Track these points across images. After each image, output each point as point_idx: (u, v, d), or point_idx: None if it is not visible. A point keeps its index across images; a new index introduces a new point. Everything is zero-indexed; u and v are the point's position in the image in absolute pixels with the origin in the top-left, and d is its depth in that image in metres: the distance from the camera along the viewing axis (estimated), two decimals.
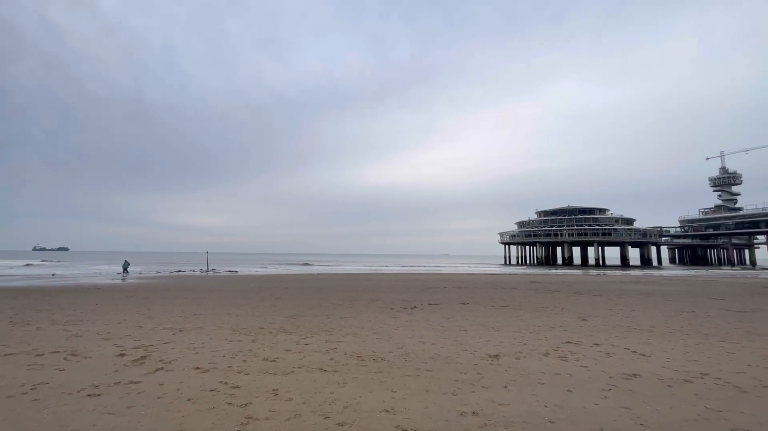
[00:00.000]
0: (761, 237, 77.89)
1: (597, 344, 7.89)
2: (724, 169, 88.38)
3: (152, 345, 7.54)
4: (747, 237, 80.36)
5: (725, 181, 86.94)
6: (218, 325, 9.79)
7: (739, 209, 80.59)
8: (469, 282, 27.11)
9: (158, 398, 4.69)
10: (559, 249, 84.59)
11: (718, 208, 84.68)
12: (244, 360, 6.43)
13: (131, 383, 5.25)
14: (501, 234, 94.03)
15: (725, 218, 77.56)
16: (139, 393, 4.87)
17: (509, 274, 40.82)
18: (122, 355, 6.80)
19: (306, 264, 69.46)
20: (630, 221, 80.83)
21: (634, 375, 5.77)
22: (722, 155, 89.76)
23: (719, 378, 5.65)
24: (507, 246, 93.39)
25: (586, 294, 18.46)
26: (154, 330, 9.19)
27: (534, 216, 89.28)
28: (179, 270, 43.89)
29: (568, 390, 5.08)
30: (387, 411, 4.33)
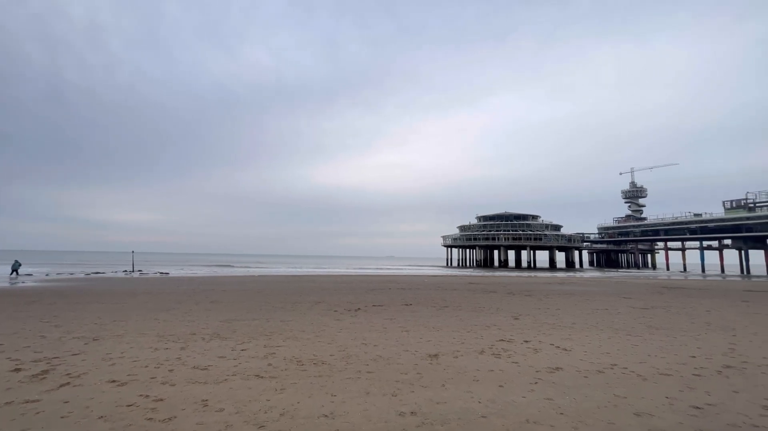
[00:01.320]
0: (660, 244, 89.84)
1: (527, 341, 8.47)
2: (633, 184, 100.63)
3: (57, 358, 6.63)
4: (649, 243, 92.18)
5: (634, 194, 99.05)
6: (142, 332, 8.90)
7: (644, 219, 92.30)
8: (413, 283, 27.73)
9: (61, 418, 4.11)
10: (496, 253, 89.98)
11: (628, 217, 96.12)
12: (170, 370, 5.90)
13: (27, 402, 4.55)
14: (444, 238, 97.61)
15: (633, 227, 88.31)
16: (37, 413, 4.24)
17: (450, 276, 42.50)
18: (17, 370, 5.88)
19: (227, 266, 61.53)
20: (558, 227, 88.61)
21: (557, 369, 6.28)
22: (632, 171, 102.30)
23: (626, 368, 6.36)
24: (449, 248, 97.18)
25: (519, 295, 19.80)
26: (60, 340, 8.09)
27: (475, 221, 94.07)
28: (98, 272, 39.36)
29: (500, 386, 5.38)
30: (326, 416, 4.23)
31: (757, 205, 65.91)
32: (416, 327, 9.98)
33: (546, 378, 5.75)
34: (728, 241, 71.94)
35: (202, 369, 5.95)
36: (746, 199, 67.40)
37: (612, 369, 6.33)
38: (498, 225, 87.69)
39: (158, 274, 38.53)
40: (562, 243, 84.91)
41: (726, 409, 4.61)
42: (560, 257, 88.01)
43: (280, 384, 5.30)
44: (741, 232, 66.83)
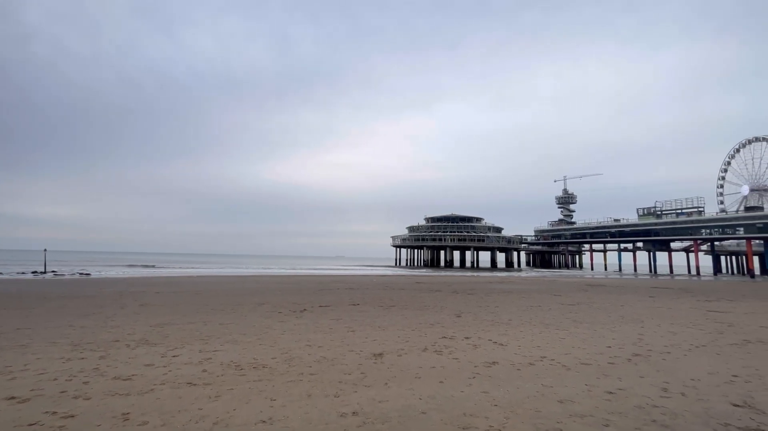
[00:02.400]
0: (586, 245, 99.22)
1: (467, 338, 8.86)
2: (565, 191, 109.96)
3: None
4: (577, 245, 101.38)
5: (566, 200, 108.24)
6: (53, 341, 7.89)
7: (574, 223, 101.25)
8: (362, 283, 27.76)
9: None
10: (443, 253, 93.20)
11: (560, 221, 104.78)
12: (85, 382, 5.29)
13: None
14: (393, 238, 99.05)
15: (564, 230, 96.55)
16: None
17: (398, 275, 43.19)
18: None
19: (149, 266, 54.06)
20: (499, 230, 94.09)
21: (494, 363, 6.64)
22: (564, 179, 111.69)
23: (553, 360, 6.91)
24: (398, 249, 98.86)
25: (462, 294, 20.68)
26: None
27: (423, 222, 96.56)
28: None
29: (440, 382, 5.56)
30: (263, 422, 4.05)
31: (663, 212, 75.38)
32: (362, 327, 9.98)
33: (483, 373, 6.05)
34: (640, 244, 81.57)
35: (124, 380, 5.42)
36: (655, 207, 76.84)
37: (541, 361, 6.83)
38: (445, 227, 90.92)
39: (77, 275, 34.52)
40: (503, 244, 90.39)
41: (633, 393, 5.18)
42: (501, 257, 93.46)
43: (214, 391, 4.99)
44: (650, 236, 76.05)
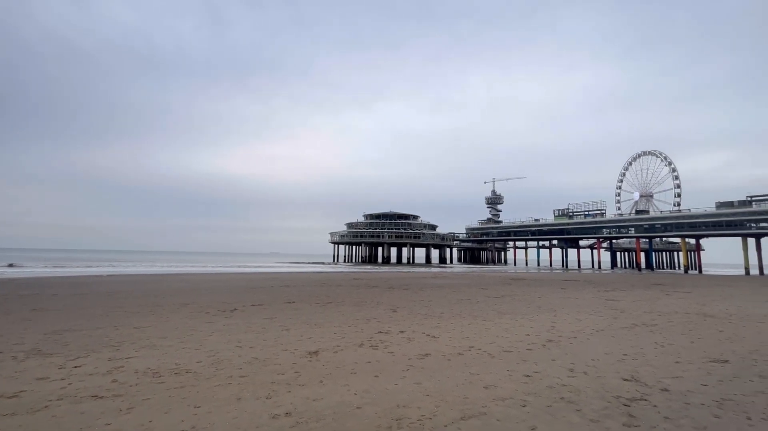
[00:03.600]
0: (511, 243, 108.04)
1: (402, 331, 9.10)
2: (493, 192, 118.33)
3: None
4: (503, 242, 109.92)
5: (494, 201, 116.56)
6: None
7: (501, 222, 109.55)
8: (298, 280, 27.04)
9: None
10: (380, 249, 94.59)
11: (488, 220, 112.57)
12: None
13: None
14: (332, 234, 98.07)
15: (492, 228, 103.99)
16: None
17: (336, 272, 42.89)
18: None
19: (11, 265, 41.68)
20: (434, 227, 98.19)
21: (427, 355, 6.91)
22: (494, 181, 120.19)
23: (480, 349, 7.40)
24: (336, 245, 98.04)
25: (398, 289, 21.19)
26: None
27: (361, 219, 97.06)
28: None
29: (376, 376, 5.64)
30: None
31: (574, 213, 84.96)
32: (298, 325, 9.73)
33: (417, 365, 6.26)
34: (555, 242, 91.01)
35: (9, 398, 4.62)
36: (568, 209, 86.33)
37: (470, 351, 7.28)
38: (383, 224, 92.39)
39: None
40: (437, 241, 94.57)
41: (546, 374, 5.77)
42: (435, 254, 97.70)
43: (126, 402, 4.49)
44: (563, 235, 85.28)
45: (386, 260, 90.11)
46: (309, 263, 79.74)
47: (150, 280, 25.60)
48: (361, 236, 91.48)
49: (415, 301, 15.39)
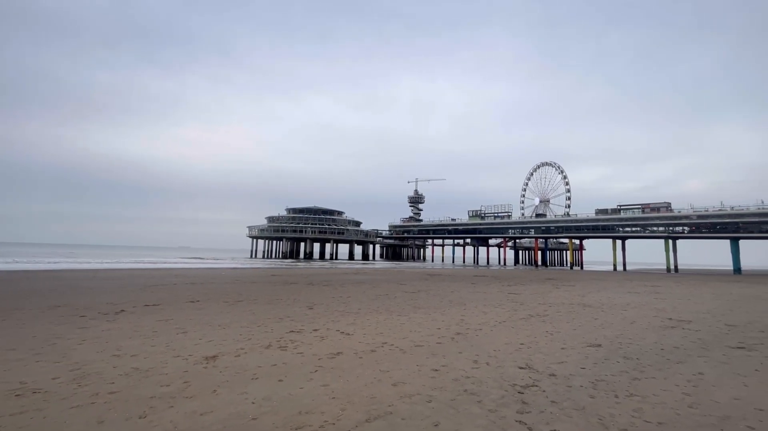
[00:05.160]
0: (430, 240, 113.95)
1: (316, 329, 8.71)
2: (416, 191, 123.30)
3: None
4: (423, 240, 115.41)
5: (416, 200, 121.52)
6: None
7: (421, 221, 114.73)
8: (207, 277, 24.70)
9: None
10: (303, 245, 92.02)
11: (410, 218, 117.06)
12: None
13: None
14: (250, 228, 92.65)
15: (413, 226, 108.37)
16: None
17: (253, 268, 40.38)
18: None
19: None
20: (358, 224, 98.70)
21: (338, 353, 6.65)
22: (416, 181, 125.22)
23: (393, 345, 7.38)
24: (255, 240, 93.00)
25: (318, 285, 20.61)
26: None
27: (284, 213, 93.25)
28: None
29: (280, 380, 5.19)
30: None
31: (486, 215, 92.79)
32: (198, 327, 8.70)
33: (326, 365, 5.96)
34: (469, 240, 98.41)
35: None
36: (480, 210, 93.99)
37: (382, 347, 7.21)
38: (306, 219, 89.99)
39: None
40: (361, 237, 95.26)
41: (453, 367, 5.93)
42: (358, 250, 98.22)
43: None
44: (476, 234, 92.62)
45: (309, 256, 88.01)
46: (223, 259, 73.95)
47: (13, 278, 20.99)
48: (283, 231, 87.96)
49: (334, 298, 15.07)
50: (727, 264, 67.38)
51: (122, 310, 10.83)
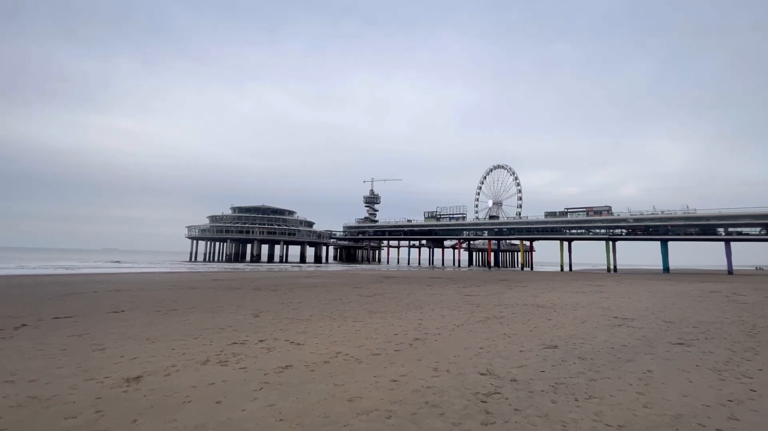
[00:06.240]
0: (385, 242, 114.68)
1: (262, 340, 8.12)
2: (372, 191, 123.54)
3: None
4: (378, 241, 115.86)
5: (372, 200, 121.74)
6: None
7: (377, 221, 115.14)
8: (137, 283, 22.59)
9: None
10: (249, 246, 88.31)
11: (366, 219, 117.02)
12: None
13: None
14: (189, 228, 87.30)
15: (369, 227, 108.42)
16: None
17: (192, 272, 37.89)
18: None
19: None
20: (311, 224, 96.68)
21: (287, 367, 6.19)
22: (372, 181, 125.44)
23: (348, 354, 7.05)
24: (195, 241, 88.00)
25: (265, 290, 19.66)
26: None
27: (228, 212, 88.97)
28: None
29: (218, 402, 4.66)
30: None
31: (441, 216, 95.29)
32: (120, 342, 7.74)
33: (273, 380, 5.49)
34: (425, 242, 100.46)
35: None
36: (436, 212, 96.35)
37: (336, 357, 6.86)
38: (254, 218, 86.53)
39: None
40: (313, 239, 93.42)
41: (413, 377, 5.74)
42: (310, 252, 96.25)
43: None
44: (432, 235, 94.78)
45: (256, 258, 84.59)
46: (157, 263, 68.69)
47: None
48: (228, 231, 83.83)
49: (283, 303, 14.39)
50: (657, 263, 75.22)
51: (23, 325, 9.40)
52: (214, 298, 15.76)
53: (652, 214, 66.85)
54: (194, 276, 31.50)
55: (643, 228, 67.57)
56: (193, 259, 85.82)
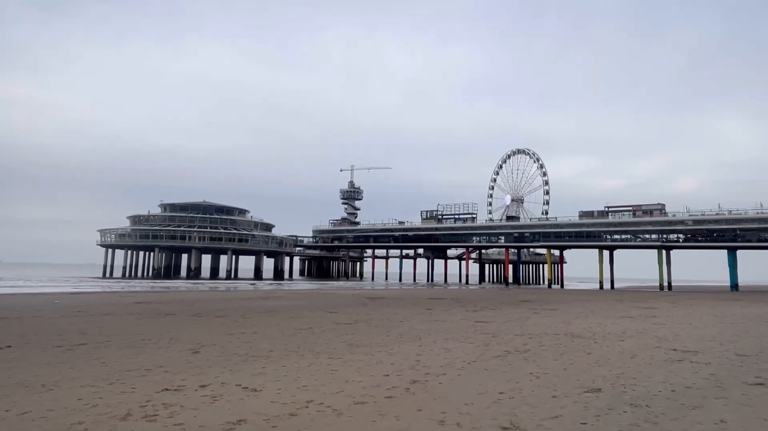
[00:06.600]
0: (369, 251, 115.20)
1: (204, 385, 7.97)
2: (351, 183, 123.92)
3: None
4: (360, 250, 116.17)
5: (351, 195, 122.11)
6: None
7: (358, 223, 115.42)
8: (29, 308, 22.15)
9: None
10: (185, 257, 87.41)
11: (343, 220, 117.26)
12: None
13: None
14: (103, 233, 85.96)
15: (347, 231, 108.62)
16: None
17: (107, 293, 37.57)
18: None
19: None
20: (269, 227, 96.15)
21: (240, 422, 6.04)
22: (352, 169, 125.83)
23: (322, 403, 6.95)
24: (111, 250, 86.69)
25: (207, 317, 19.49)
26: None
27: (157, 211, 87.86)
28: None
29: None
30: None
31: (444, 217, 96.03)
32: (4, 391, 7.47)
33: None
34: (421, 251, 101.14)
35: None
36: (437, 211, 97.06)
37: (307, 407, 6.75)
38: (192, 219, 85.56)
39: None
40: (273, 247, 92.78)
41: None
42: (269, 264, 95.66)
43: None
44: (432, 242, 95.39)
45: (195, 273, 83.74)
46: (60, 279, 67.26)
47: None
48: (156, 237, 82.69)
49: (233, 334, 14.33)
50: (723, 278, 77.34)
51: None
52: (138, 328, 15.69)
53: (717, 213, 68.73)
54: (110, 297, 31.15)
55: (705, 233, 69.41)
56: (108, 275, 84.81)
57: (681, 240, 71.40)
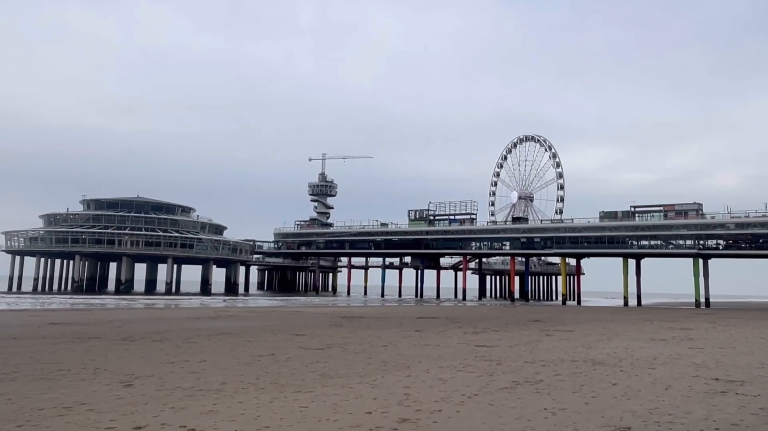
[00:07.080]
0: (344, 260, 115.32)
1: (139, 428, 7.85)
2: (323, 176, 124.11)
3: None
4: (333, 259, 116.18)
5: (323, 190, 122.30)
6: None
7: (331, 225, 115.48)
8: None
9: None
10: (114, 266, 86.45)
11: (313, 221, 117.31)
12: None
13: None
14: (8, 236, 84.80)
15: (318, 234, 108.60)
16: None
17: (14, 311, 37.38)
18: None
19: None
20: (220, 229, 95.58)
21: None
22: (324, 158, 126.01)
23: None
24: (19, 257, 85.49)
25: (142, 341, 19.33)
26: None
27: (78, 208, 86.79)
28: None
29: None
30: None
31: (436, 217, 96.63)
32: None
33: None
34: (408, 259, 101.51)
35: None
36: (428, 210, 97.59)
37: None
38: (123, 219, 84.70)
39: None
40: (224, 254, 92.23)
41: None
42: (219, 275, 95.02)
43: None
44: (420, 248, 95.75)
45: (127, 286, 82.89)
46: None
47: None
48: (78, 241, 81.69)
49: (174, 363, 14.28)
50: (765, 292, 79.16)
51: None
52: (54, 355, 15.67)
53: (764, 215, 70.26)
54: (18, 317, 30.88)
55: (749, 239, 71.06)
56: (15, 288, 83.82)
57: (721, 247, 73.01)
